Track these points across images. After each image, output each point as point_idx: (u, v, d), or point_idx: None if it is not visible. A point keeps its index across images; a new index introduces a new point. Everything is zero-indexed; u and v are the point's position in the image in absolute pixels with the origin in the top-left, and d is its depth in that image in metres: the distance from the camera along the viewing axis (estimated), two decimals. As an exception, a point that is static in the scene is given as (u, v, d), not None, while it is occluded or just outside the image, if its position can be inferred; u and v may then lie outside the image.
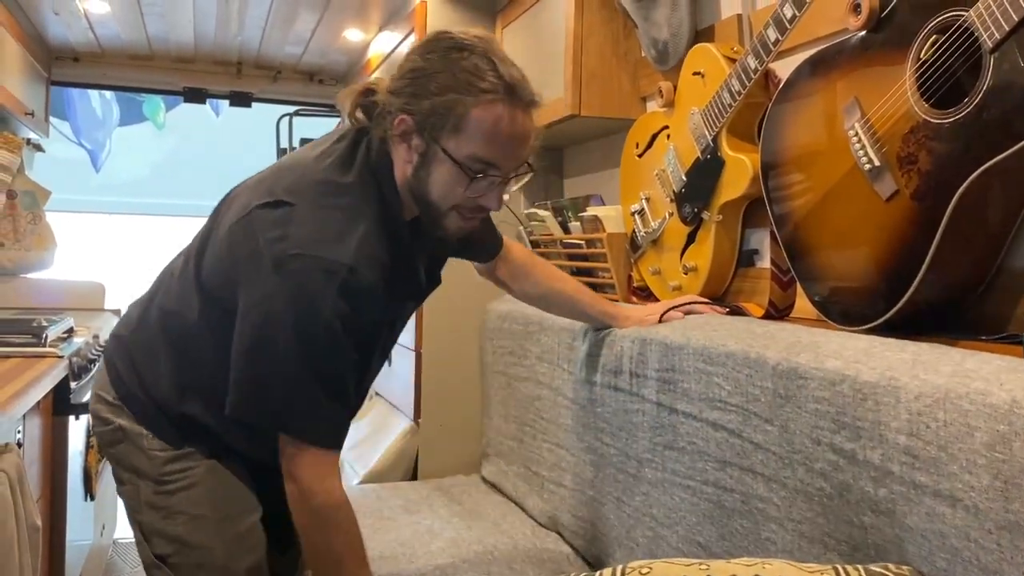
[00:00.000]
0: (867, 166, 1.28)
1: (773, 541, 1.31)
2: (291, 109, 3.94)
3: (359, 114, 1.37)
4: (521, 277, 1.76)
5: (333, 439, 1.32)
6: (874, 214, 1.28)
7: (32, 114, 3.17)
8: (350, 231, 1.27)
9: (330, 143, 1.39)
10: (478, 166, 1.27)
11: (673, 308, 1.71)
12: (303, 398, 1.27)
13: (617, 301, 2.13)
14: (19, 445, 1.68)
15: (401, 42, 2.90)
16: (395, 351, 2.87)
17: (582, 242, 2.29)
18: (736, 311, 1.71)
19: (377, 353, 1.49)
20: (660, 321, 1.67)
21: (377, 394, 3.20)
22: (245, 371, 1.28)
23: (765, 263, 1.73)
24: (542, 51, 2.40)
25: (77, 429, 2.28)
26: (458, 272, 2.69)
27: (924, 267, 1.18)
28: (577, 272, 2.40)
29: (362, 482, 2.70)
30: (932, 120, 1.18)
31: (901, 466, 1.06)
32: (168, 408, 1.42)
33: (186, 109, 5.33)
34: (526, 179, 1.40)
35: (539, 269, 1.78)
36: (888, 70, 1.25)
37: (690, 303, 1.72)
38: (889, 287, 1.25)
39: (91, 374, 2.36)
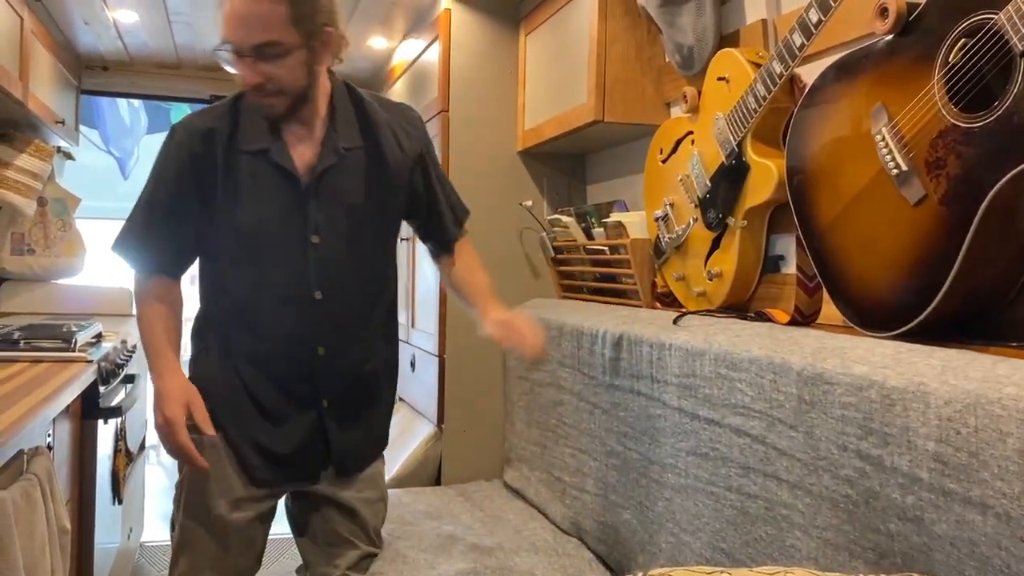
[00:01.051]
0: (894, 171, 1.27)
1: (798, 548, 1.30)
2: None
3: None
4: (449, 267, 1.91)
5: (132, 257, 1.69)
6: (902, 219, 1.27)
7: (63, 122, 3.22)
8: (195, 112, 1.73)
9: None
10: (219, 45, 1.52)
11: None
12: (130, 221, 1.67)
13: (640, 307, 2.13)
14: (49, 448, 1.70)
15: (425, 49, 2.92)
16: (418, 356, 2.88)
17: (605, 248, 2.29)
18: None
19: (251, 224, 1.63)
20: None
21: (400, 399, 3.22)
22: None
23: (790, 269, 1.72)
24: (566, 58, 2.41)
25: (106, 433, 2.30)
26: (481, 278, 2.70)
27: (953, 273, 1.17)
28: (600, 278, 2.40)
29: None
30: (961, 124, 1.17)
31: (930, 473, 1.05)
32: None
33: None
34: (292, 60, 1.53)
35: (460, 259, 1.89)
36: (916, 74, 1.24)
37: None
38: (917, 293, 1.24)
39: (119, 378, 2.39)
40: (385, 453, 2.73)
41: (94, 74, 3.71)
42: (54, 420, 1.74)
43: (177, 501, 1.71)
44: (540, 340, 1.65)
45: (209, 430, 1.59)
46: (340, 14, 1.61)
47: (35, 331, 2.33)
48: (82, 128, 3.80)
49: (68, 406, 1.84)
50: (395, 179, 1.72)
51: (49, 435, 1.70)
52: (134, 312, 1.77)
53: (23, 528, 1.31)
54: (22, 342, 2.14)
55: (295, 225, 1.63)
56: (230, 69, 1.56)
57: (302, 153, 1.63)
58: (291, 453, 1.69)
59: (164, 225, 1.65)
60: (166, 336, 1.64)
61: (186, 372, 1.68)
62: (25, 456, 1.45)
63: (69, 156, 3.73)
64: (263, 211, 1.62)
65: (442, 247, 1.90)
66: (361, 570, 1.82)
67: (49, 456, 1.56)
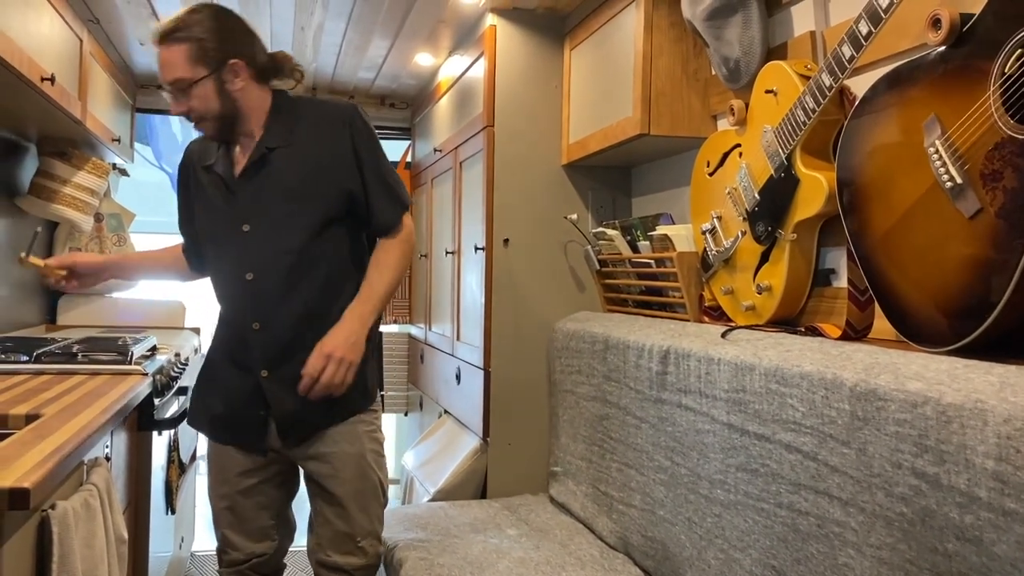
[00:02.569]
0: (948, 184, 1.25)
1: (851, 567, 1.28)
2: (363, 132, 4.03)
3: None
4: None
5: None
6: (956, 233, 1.25)
7: (119, 140, 3.31)
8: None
9: None
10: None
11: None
12: None
13: (687, 321, 2.12)
14: (107, 459, 1.74)
15: (471, 65, 2.95)
16: (464, 369, 2.90)
17: (651, 261, 2.28)
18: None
19: (205, 222, 1.98)
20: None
21: (446, 412, 3.23)
22: None
23: (842, 283, 1.70)
24: (611, 71, 2.41)
25: (160, 444, 2.35)
26: (527, 293, 2.72)
27: (1011, 287, 1.14)
28: (646, 291, 2.39)
29: (432, 499, 2.73)
30: (1018, 136, 1.14)
31: (989, 492, 1.02)
32: None
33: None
34: (203, 91, 1.83)
35: (373, 257, 1.95)
36: (970, 86, 1.23)
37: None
38: (973, 307, 1.21)
39: (173, 391, 2.44)
40: (432, 466, 2.75)
41: (148, 92, 3.80)
42: (112, 431, 1.78)
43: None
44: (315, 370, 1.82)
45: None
46: (256, 44, 1.93)
47: (93, 344, 2.39)
48: (136, 145, 3.90)
49: (125, 418, 1.89)
50: (325, 170, 1.88)
51: (107, 446, 1.75)
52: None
53: (83, 537, 1.34)
54: (80, 355, 2.20)
55: (231, 219, 1.90)
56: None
57: (239, 160, 1.92)
58: (232, 415, 1.93)
59: (184, 226, 2.09)
60: (146, 253, 2.25)
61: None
62: (85, 466, 1.49)
63: (124, 173, 3.83)
64: (211, 212, 1.95)
65: (371, 239, 2.00)
66: (342, 551, 1.94)
67: (107, 467, 1.60)
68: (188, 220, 2.05)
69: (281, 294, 1.86)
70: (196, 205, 1.99)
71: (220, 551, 2.03)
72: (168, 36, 1.82)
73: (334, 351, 1.80)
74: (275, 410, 1.88)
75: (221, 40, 1.83)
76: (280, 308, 1.87)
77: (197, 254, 2.08)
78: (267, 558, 2.01)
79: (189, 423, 2.05)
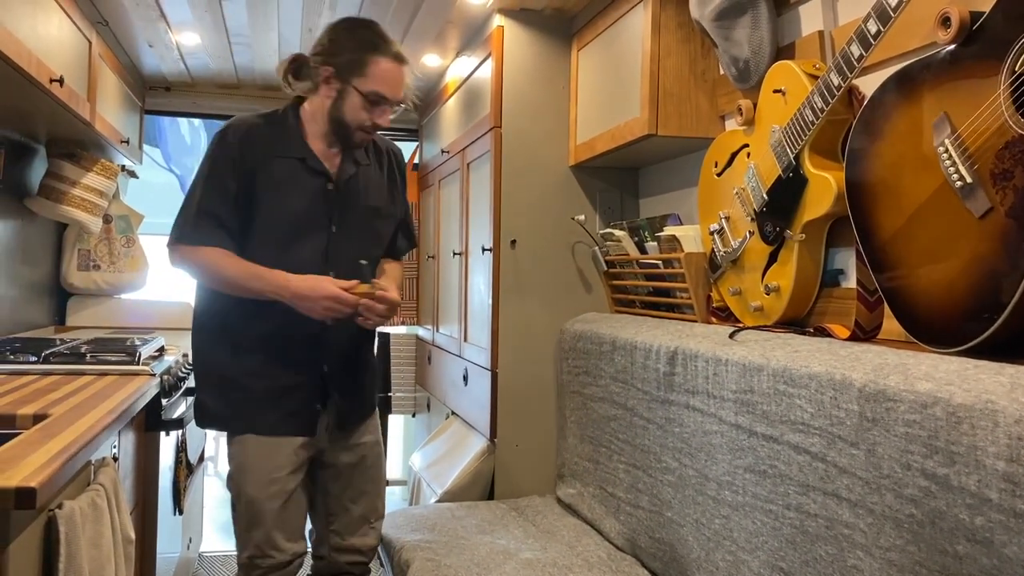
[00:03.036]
0: (958, 183, 1.25)
1: (860, 569, 1.27)
2: (370, 133, 4.03)
3: (290, 76, 2.00)
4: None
5: (197, 233, 1.89)
6: (966, 232, 1.24)
7: (127, 142, 3.32)
8: (239, 118, 1.98)
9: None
10: (375, 98, 1.91)
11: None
12: (187, 206, 1.91)
13: (694, 322, 2.11)
14: (115, 459, 1.75)
15: (478, 66, 2.95)
16: (471, 370, 2.90)
17: (659, 262, 2.28)
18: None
19: (283, 213, 1.92)
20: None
21: (453, 413, 3.23)
22: None
23: (851, 283, 1.69)
24: (618, 72, 2.41)
25: (167, 445, 2.36)
26: (534, 294, 2.72)
27: (1022, 287, 1.13)
28: (654, 292, 2.38)
29: (439, 500, 2.72)
30: (1028, 135, 1.14)
31: (1000, 493, 1.02)
32: None
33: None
34: (401, 108, 2.00)
35: (385, 266, 2.15)
36: (980, 84, 1.22)
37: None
38: (983, 308, 1.21)
39: (180, 391, 2.45)
40: (439, 467, 2.81)
41: (157, 94, 3.82)
42: (119, 432, 1.79)
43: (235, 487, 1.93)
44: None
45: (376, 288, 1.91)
46: None
47: (101, 345, 2.40)
48: (144, 147, 3.91)
49: (133, 418, 1.89)
50: (388, 193, 2.11)
51: (115, 446, 1.75)
52: (193, 275, 1.95)
53: (90, 537, 1.35)
54: (89, 355, 2.20)
55: (320, 216, 1.95)
56: (364, 114, 1.92)
57: (328, 162, 1.99)
58: (291, 411, 1.94)
59: (213, 209, 1.89)
60: (248, 265, 1.88)
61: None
62: (92, 466, 1.49)
63: (133, 174, 3.84)
64: (295, 204, 1.93)
65: (389, 255, 2.20)
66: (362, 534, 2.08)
67: (115, 467, 1.60)
68: (236, 199, 1.90)
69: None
70: (267, 188, 1.90)
71: (257, 556, 1.90)
72: (404, 58, 1.96)
73: (397, 298, 1.96)
74: (339, 401, 2.00)
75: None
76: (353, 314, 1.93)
77: (231, 239, 1.91)
78: (302, 560, 1.98)
79: (229, 430, 1.94)
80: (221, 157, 1.90)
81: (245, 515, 1.91)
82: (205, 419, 2.00)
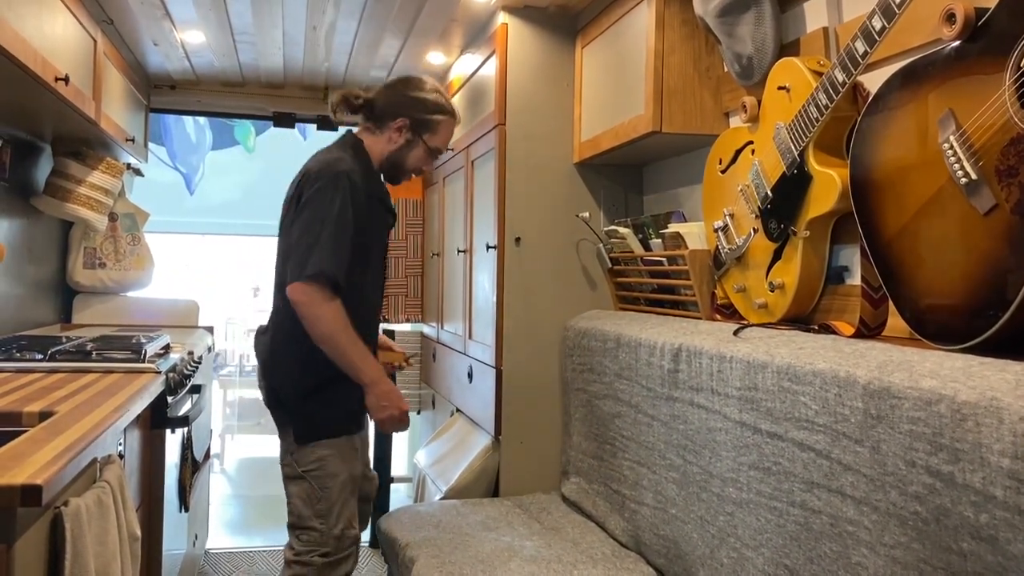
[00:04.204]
0: (963, 180, 1.24)
1: (864, 566, 1.27)
2: (375, 131, 4.04)
3: (341, 108, 2.23)
4: None
5: (330, 275, 1.99)
6: (971, 229, 1.24)
7: (133, 140, 3.33)
8: (343, 159, 2.12)
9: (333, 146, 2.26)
10: (437, 153, 2.26)
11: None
12: (319, 243, 1.98)
13: (699, 319, 2.11)
14: (121, 456, 1.75)
15: (482, 64, 2.95)
16: (476, 367, 2.90)
17: (663, 259, 2.28)
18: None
19: (371, 251, 2.17)
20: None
21: (458, 410, 3.23)
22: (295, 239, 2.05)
23: (855, 280, 1.69)
24: (622, 69, 2.41)
25: (173, 442, 2.36)
26: (539, 292, 2.72)
27: (1026, 283, 1.13)
28: (658, 289, 2.38)
29: (444, 498, 2.73)
30: (1033, 131, 1.13)
31: (1005, 490, 1.01)
32: None
33: (275, 133, 5.52)
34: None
35: None
36: (985, 80, 1.21)
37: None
38: (988, 305, 1.20)
39: (186, 389, 2.45)
40: (443, 464, 2.84)
41: (162, 92, 3.83)
42: (125, 429, 1.79)
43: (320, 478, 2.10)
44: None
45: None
46: None
47: (107, 343, 2.40)
48: (150, 145, 3.92)
49: (138, 416, 1.90)
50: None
51: (120, 443, 1.75)
52: (313, 318, 1.99)
53: (96, 534, 1.35)
54: (94, 353, 2.21)
55: (384, 248, 2.29)
56: (424, 162, 2.25)
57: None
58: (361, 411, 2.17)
59: (345, 251, 2.02)
60: (362, 346, 2.05)
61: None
62: (98, 464, 1.50)
63: (138, 173, 3.85)
64: (377, 236, 2.22)
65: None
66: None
67: (120, 464, 1.60)
68: (351, 243, 2.04)
69: (381, 317, 2.36)
70: (366, 232, 2.10)
71: (347, 531, 2.10)
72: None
73: None
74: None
75: None
76: (378, 325, 2.34)
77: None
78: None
79: (335, 434, 2.10)
80: (348, 196, 2.04)
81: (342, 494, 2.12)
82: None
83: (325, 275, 1.95)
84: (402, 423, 2.11)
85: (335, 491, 2.07)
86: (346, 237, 2.00)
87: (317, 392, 2.07)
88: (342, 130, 2.50)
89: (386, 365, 2.28)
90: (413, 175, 2.27)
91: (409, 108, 2.18)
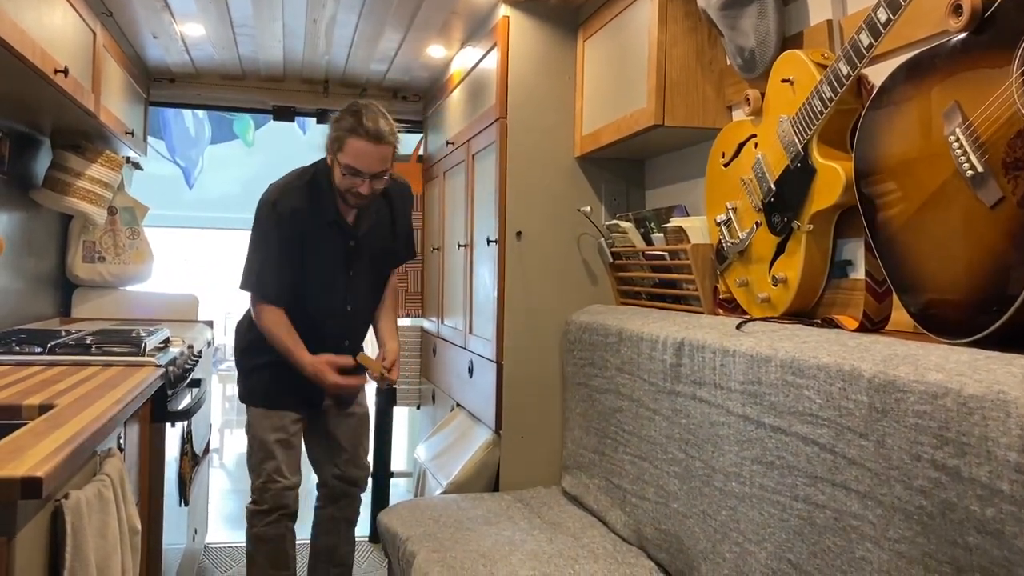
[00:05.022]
0: (969, 172, 1.24)
1: (868, 560, 1.27)
2: (375, 125, 4.02)
3: None
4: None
5: (261, 292, 2.44)
6: (977, 222, 1.23)
7: (132, 133, 3.32)
8: (282, 189, 2.46)
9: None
10: (349, 170, 2.33)
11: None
12: (253, 267, 2.44)
13: (701, 313, 2.11)
14: (121, 450, 1.75)
15: (483, 57, 2.94)
16: (476, 362, 2.89)
17: (665, 253, 2.27)
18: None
19: (316, 267, 2.46)
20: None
21: (458, 405, 3.23)
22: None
23: (859, 274, 1.68)
24: (625, 62, 2.40)
25: (173, 436, 2.36)
26: (539, 286, 2.71)
27: (1033, 277, 1.13)
28: (660, 284, 2.37)
29: (444, 492, 2.72)
30: (1041, 123, 1.12)
31: (1011, 484, 1.01)
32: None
33: (274, 127, 5.49)
34: (384, 179, 2.39)
35: (387, 294, 2.70)
36: (992, 72, 1.21)
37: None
38: (994, 298, 1.20)
39: (186, 382, 2.45)
40: (444, 458, 2.88)
41: (161, 86, 3.81)
42: (125, 423, 1.79)
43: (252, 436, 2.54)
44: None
45: (349, 362, 2.48)
46: None
47: (106, 336, 2.40)
48: (149, 139, 3.91)
49: (138, 409, 1.89)
50: (396, 235, 2.62)
51: (120, 437, 1.75)
52: (259, 324, 2.46)
53: (96, 527, 1.35)
54: (94, 347, 2.20)
55: (344, 264, 2.50)
56: (348, 183, 2.35)
57: (350, 219, 2.49)
58: (310, 396, 2.54)
59: (279, 271, 2.42)
60: (295, 341, 2.43)
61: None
62: (98, 457, 1.49)
63: (138, 166, 3.84)
64: (327, 257, 2.47)
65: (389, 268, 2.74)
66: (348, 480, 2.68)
67: (121, 457, 1.60)
68: (290, 263, 2.42)
69: (365, 320, 2.64)
70: (305, 251, 2.43)
71: (267, 483, 2.47)
72: (385, 139, 2.34)
73: (396, 374, 2.58)
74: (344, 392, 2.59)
75: (398, 142, 2.41)
76: (363, 329, 2.65)
77: (286, 290, 2.44)
78: (298, 487, 2.55)
79: (261, 404, 2.51)
80: (275, 228, 2.40)
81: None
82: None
83: (257, 293, 2.44)
84: (338, 392, 2.51)
85: (255, 448, 2.51)
86: (274, 260, 2.41)
87: (253, 370, 2.55)
88: None
89: (368, 372, 2.55)
90: (354, 198, 2.38)
91: (330, 131, 2.40)
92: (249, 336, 2.55)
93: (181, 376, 2.38)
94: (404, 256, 2.73)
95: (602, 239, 2.65)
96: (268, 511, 2.47)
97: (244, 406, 2.59)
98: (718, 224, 2.02)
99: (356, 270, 2.52)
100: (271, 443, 2.48)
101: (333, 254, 2.47)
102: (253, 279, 2.44)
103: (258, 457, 2.50)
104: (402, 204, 2.64)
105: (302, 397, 2.53)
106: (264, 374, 2.52)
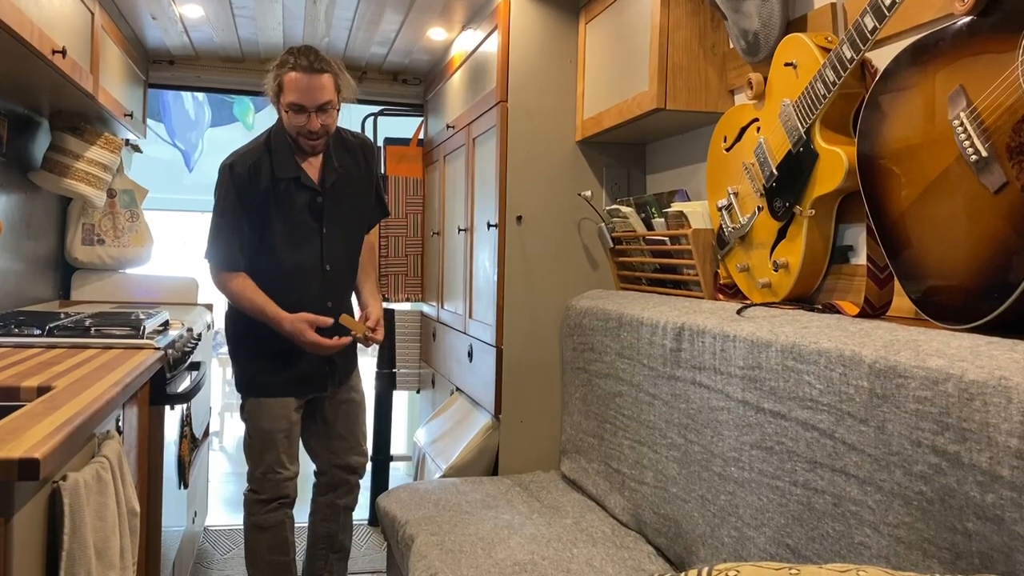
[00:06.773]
0: (973, 157, 1.23)
1: (867, 546, 1.27)
2: (375, 109, 4.00)
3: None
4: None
5: (217, 261, 2.44)
6: (980, 207, 1.22)
7: (131, 115, 3.30)
8: (239, 152, 2.46)
9: None
10: (293, 107, 2.33)
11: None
12: (211, 236, 2.43)
13: (701, 298, 2.10)
14: (119, 432, 1.74)
15: (484, 40, 2.92)
16: (476, 346, 2.89)
17: (666, 239, 2.26)
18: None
19: (286, 225, 2.43)
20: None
21: (458, 389, 3.23)
22: None
23: (860, 259, 1.68)
24: (627, 46, 2.38)
25: (172, 419, 2.36)
26: (540, 271, 2.71)
27: (1036, 262, 1.12)
28: (660, 269, 2.37)
29: (444, 476, 2.73)
30: (1046, 107, 1.11)
31: (1012, 470, 1.01)
32: None
33: (274, 110, 5.49)
34: (335, 112, 2.39)
35: (364, 254, 2.66)
36: (998, 56, 1.19)
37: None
38: (996, 284, 1.19)
39: (185, 365, 2.44)
40: (443, 442, 2.89)
41: (161, 68, 3.79)
42: (124, 405, 1.78)
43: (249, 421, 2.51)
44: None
45: (329, 321, 2.41)
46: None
47: (105, 319, 2.39)
48: (148, 122, 3.89)
49: (137, 392, 1.89)
50: (366, 186, 2.59)
51: (119, 419, 1.74)
52: (225, 296, 2.48)
53: (94, 509, 1.34)
54: (93, 329, 2.20)
55: (313, 223, 2.46)
56: (295, 121, 2.33)
57: (314, 174, 2.46)
58: (308, 374, 2.51)
59: (237, 236, 2.40)
60: (263, 300, 2.40)
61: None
62: (97, 439, 1.49)
63: (137, 149, 3.82)
64: (296, 215, 2.43)
65: (369, 226, 2.71)
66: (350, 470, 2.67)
67: (119, 439, 1.60)
68: (250, 225, 2.40)
69: (348, 281, 2.58)
70: (271, 211, 2.40)
71: (267, 474, 2.46)
72: (318, 67, 2.31)
73: (381, 334, 2.54)
74: (340, 363, 2.57)
75: (341, 75, 2.40)
76: (346, 291, 2.59)
77: (247, 260, 2.43)
78: (297, 475, 2.55)
79: (261, 394, 2.47)
80: (232, 191, 2.38)
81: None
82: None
83: (213, 262, 2.43)
84: (314, 349, 2.40)
85: (255, 438, 2.49)
86: (229, 225, 2.39)
87: (248, 359, 2.52)
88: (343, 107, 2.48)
89: (352, 333, 2.48)
90: (310, 140, 2.36)
91: (269, 81, 2.38)
92: (237, 324, 2.53)
93: (180, 359, 2.37)
94: (378, 214, 2.71)
95: (603, 224, 2.64)
96: (267, 500, 2.47)
97: (238, 390, 2.55)
98: (719, 209, 2.01)
99: (330, 228, 2.47)
100: (271, 433, 2.45)
101: (301, 211, 2.43)
102: (212, 251, 2.43)
103: (257, 447, 2.48)
104: (365, 154, 2.60)
105: (301, 379, 2.49)
106: (260, 362, 2.48)
